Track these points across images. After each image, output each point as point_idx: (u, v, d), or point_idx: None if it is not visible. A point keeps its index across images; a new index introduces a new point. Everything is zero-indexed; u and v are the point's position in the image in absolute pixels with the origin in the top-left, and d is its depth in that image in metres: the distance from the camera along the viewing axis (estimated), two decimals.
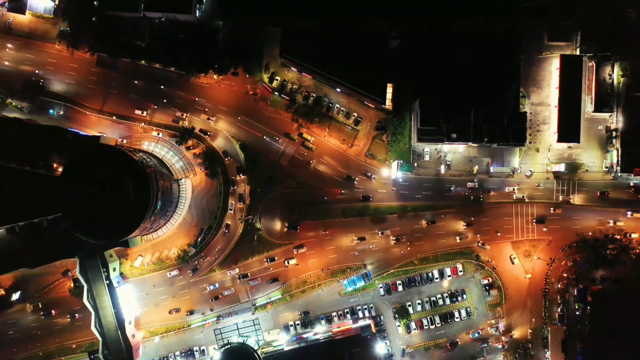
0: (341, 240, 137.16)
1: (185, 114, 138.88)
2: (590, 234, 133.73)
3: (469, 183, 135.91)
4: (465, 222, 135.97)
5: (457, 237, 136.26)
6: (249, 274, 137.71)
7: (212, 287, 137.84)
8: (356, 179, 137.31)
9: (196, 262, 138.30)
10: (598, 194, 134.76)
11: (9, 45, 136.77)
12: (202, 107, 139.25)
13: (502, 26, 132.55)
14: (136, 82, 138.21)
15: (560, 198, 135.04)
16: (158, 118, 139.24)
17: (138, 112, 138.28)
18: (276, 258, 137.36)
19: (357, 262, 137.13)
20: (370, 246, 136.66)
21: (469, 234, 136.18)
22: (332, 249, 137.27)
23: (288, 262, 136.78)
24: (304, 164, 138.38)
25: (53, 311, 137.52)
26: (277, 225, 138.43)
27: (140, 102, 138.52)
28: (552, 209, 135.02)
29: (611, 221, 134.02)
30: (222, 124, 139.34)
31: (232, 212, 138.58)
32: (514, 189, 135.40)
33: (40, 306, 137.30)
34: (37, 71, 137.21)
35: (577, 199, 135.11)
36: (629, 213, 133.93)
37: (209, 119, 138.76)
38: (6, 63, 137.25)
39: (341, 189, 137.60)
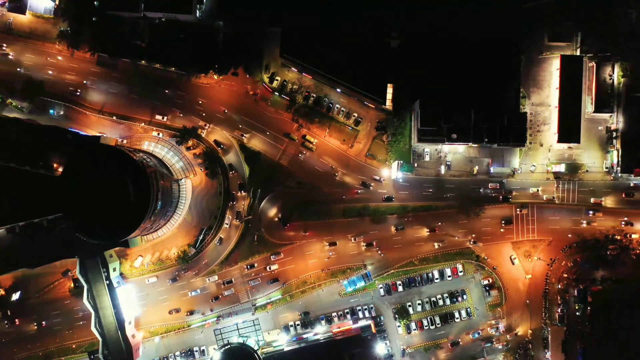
0: (314, 245, 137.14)
1: (208, 125, 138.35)
2: (569, 235, 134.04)
3: (490, 184, 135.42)
4: (429, 228, 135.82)
5: (436, 244, 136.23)
6: (232, 279, 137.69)
7: (194, 293, 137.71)
8: (372, 184, 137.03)
9: (177, 273, 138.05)
10: (623, 195, 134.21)
11: (59, 58, 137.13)
12: (235, 122, 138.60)
13: (503, 26, 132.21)
14: (167, 91, 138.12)
15: (592, 200, 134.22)
16: (179, 124, 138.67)
17: (159, 117, 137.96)
18: (256, 265, 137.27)
19: (357, 263, 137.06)
20: (331, 253, 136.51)
21: (445, 239, 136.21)
22: (309, 254, 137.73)
23: (270, 268, 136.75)
24: (327, 174, 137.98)
25: (17, 320, 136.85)
26: (277, 225, 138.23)
27: (158, 107, 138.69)
28: (518, 209, 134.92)
29: (584, 222, 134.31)
30: (256, 141, 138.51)
31: (227, 226, 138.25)
32: (537, 190, 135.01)
33: (9, 313, 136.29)
34: (85, 81, 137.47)
35: (608, 201, 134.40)
36: (590, 212, 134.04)
37: (242, 135, 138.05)
38: (50, 72, 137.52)
39: (357, 190, 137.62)
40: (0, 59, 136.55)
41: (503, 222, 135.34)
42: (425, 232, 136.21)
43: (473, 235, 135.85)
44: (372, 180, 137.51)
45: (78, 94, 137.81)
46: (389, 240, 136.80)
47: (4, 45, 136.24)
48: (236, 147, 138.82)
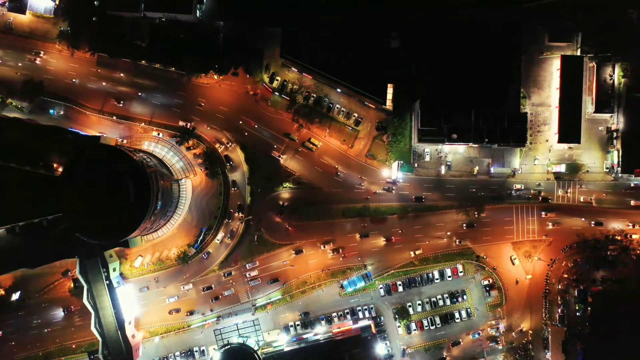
0: (282, 254, 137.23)
1: (231, 144, 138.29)
2: (545, 236, 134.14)
3: (515, 185, 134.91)
4: (385, 237, 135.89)
5: (412, 252, 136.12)
6: (212, 286, 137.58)
7: (172, 300, 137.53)
8: (394, 188, 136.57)
9: (149, 282, 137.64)
10: None
11: (122, 75, 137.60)
12: (271, 140, 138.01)
13: (503, 27, 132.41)
14: (203, 103, 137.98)
15: (633, 203, 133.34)
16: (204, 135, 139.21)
17: (182, 123, 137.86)
18: (232, 272, 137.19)
19: (357, 263, 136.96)
20: (285, 262, 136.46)
21: (421, 247, 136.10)
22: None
23: (250, 274, 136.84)
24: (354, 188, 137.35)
25: None
26: (278, 225, 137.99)
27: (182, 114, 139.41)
28: (476, 213, 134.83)
29: (550, 224, 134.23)
30: (294, 163, 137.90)
31: (219, 242, 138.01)
32: (567, 192, 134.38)
33: None
34: (139, 93, 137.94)
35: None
36: (543, 213, 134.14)
37: (279, 156, 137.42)
38: (104, 83, 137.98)
39: (375, 191, 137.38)
40: (27, 65, 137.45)
41: (464, 225, 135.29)
42: (382, 241, 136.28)
43: (458, 239, 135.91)
44: (387, 183, 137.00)
45: (121, 105, 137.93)
46: (354, 247, 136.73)
47: (42, 52, 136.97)
48: (244, 168, 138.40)
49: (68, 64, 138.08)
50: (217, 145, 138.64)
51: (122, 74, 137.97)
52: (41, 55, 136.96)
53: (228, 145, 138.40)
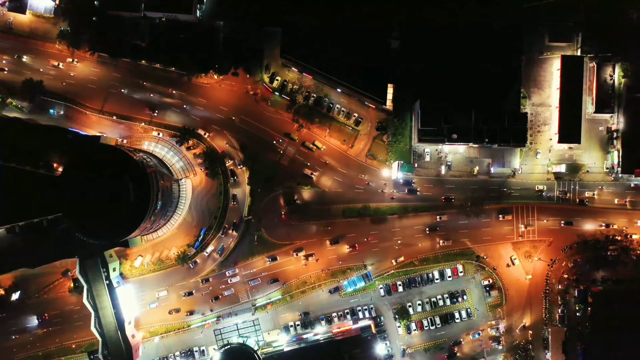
0: (256, 263, 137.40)
1: (242, 167, 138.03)
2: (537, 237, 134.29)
3: (537, 186, 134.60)
4: (350, 245, 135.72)
5: (393, 260, 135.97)
6: (193, 291, 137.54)
7: (154, 305, 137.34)
8: (418, 190, 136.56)
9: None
10: None
11: (171, 92, 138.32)
12: (304, 165, 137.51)
13: (503, 27, 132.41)
14: (235, 118, 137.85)
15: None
16: (216, 145, 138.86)
17: (201, 131, 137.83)
18: (210, 279, 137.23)
19: (357, 263, 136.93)
20: (252, 270, 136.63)
21: (402, 255, 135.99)
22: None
23: (231, 280, 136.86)
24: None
25: None
26: (278, 225, 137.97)
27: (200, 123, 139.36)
28: (438, 217, 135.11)
29: (523, 226, 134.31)
30: (326, 179, 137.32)
31: (207, 255, 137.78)
32: (594, 193, 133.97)
33: None
34: (184, 106, 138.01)
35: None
36: (500, 216, 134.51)
37: (312, 173, 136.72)
38: (151, 95, 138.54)
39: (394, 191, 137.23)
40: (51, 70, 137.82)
41: (427, 229, 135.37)
42: (346, 249, 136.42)
43: (446, 240, 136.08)
44: (403, 186, 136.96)
45: (156, 114, 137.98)
46: (326, 253, 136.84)
47: (76, 59, 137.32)
48: (246, 188, 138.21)
49: (102, 72, 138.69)
50: (226, 159, 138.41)
51: (174, 91, 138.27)
52: (75, 62, 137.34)
53: (240, 167, 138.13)
